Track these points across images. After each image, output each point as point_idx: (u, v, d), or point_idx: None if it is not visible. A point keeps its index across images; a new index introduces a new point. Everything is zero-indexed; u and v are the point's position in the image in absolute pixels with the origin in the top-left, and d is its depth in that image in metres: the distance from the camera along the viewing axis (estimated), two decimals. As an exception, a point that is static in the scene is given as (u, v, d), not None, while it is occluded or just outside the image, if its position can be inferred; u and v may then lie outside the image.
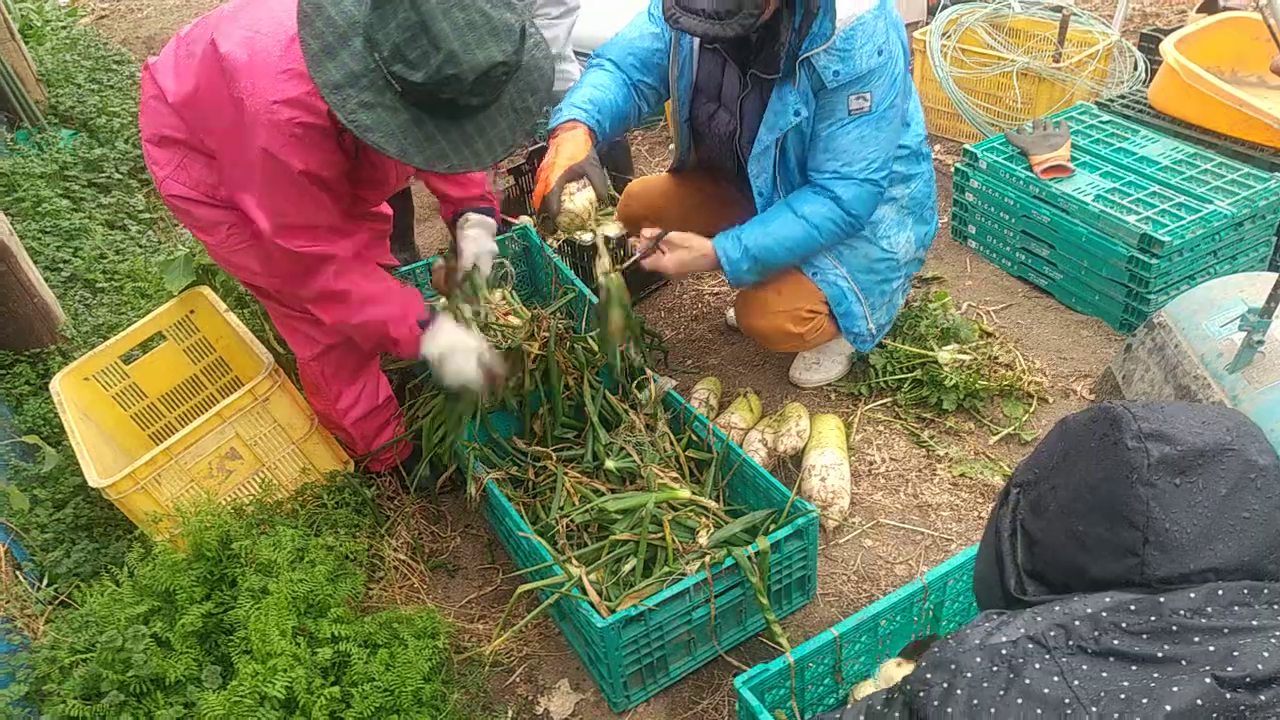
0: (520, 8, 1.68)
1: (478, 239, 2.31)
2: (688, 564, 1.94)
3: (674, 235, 2.30)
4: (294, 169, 1.80)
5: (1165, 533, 0.86)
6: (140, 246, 3.70)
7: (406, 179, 2.30)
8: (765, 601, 1.92)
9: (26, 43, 4.81)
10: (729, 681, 1.99)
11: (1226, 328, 2.20)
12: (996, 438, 2.51)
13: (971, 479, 2.41)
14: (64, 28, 5.79)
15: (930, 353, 2.65)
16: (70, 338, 2.94)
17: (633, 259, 2.32)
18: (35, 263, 3.03)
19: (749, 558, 1.89)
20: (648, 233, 2.31)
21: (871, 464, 2.50)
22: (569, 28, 3.39)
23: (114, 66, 5.29)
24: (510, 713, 2.00)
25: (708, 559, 1.89)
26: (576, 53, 3.46)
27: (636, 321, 2.33)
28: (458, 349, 2.07)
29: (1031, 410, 2.57)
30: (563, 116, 2.28)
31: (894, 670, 1.67)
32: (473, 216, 2.34)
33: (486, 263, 2.33)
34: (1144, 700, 0.79)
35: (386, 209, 2.52)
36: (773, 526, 1.99)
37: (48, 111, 4.54)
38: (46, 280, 3.06)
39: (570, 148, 2.18)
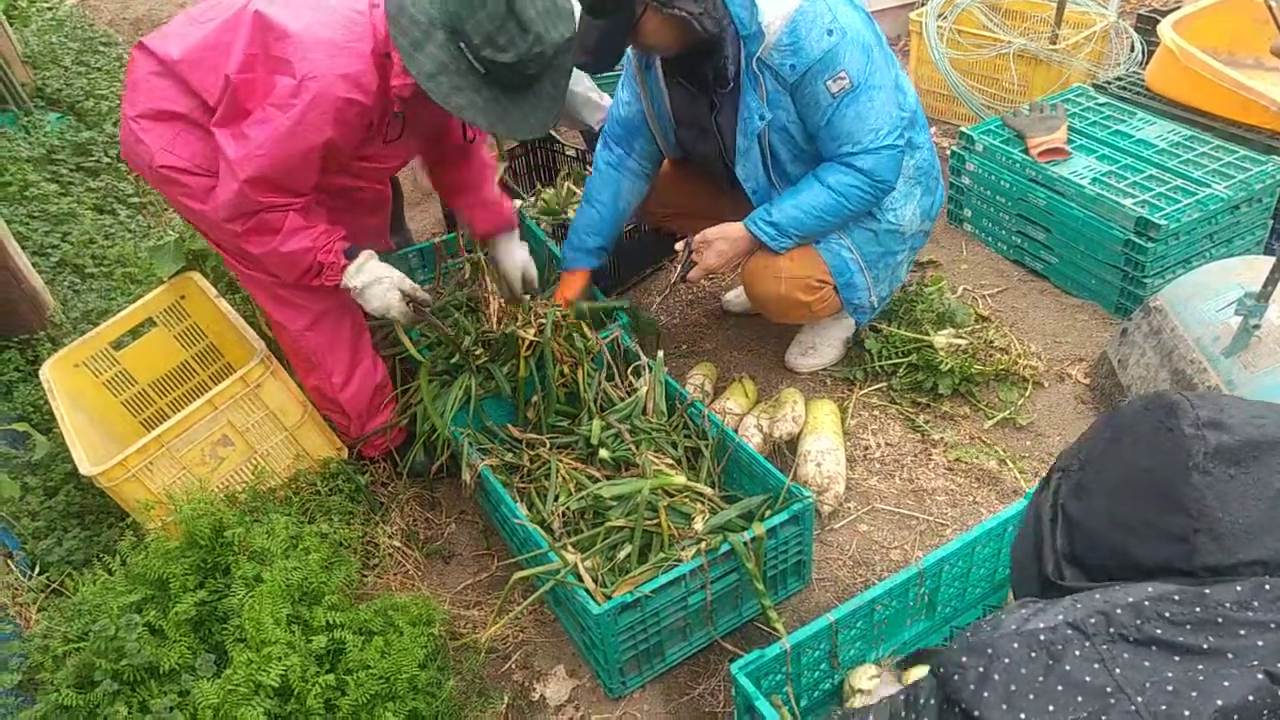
0: None
1: (519, 263, 2.58)
2: (683, 550, 1.94)
3: (703, 234, 2.42)
4: (323, 135, 1.90)
5: (1217, 521, 0.85)
6: (130, 231, 3.66)
7: (405, 163, 2.41)
8: (761, 587, 1.92)
9: (11, 24, 4.75)
10: (725, 666, 1.99)
11: (1223, 312, 2.19)
12: (992, 422, 2.51)
13: (967, 464, 2.41)
14: (50, 9, 5.71)
15: (926, 337, 2.65)
16: (59, 324, 2.91)
17: (678, 277, 2.49)
18: (23, 248, 3.00)
19: (745, 544, 1.89)
20: (679, 246, 2.48)
21: (867, 449, 2.49)
22: None
23: (101, 48, 5.22)
24: (506, 699, 2.00)
25: (704, 545, 1.89)
26: None
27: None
28: (381, 278, 2.16)
29: (1027, 395, 2.57)
30: (572, 264, 2.62)
31: (864, 681, 1.71)
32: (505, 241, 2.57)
33: (533, 273, 2.60)
34: (1192, 693, 0.77)
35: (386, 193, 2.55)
36: (768, 512, 1.99)
37: (34, 94, 4.48)
38: (35, 266, 3.02)
39: (568, 291, 2.58)
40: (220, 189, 1.98)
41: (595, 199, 2.62)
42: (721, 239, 2.40)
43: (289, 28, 1.88)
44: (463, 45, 1.84)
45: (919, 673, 1.68)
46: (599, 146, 2.65)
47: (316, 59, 1.86)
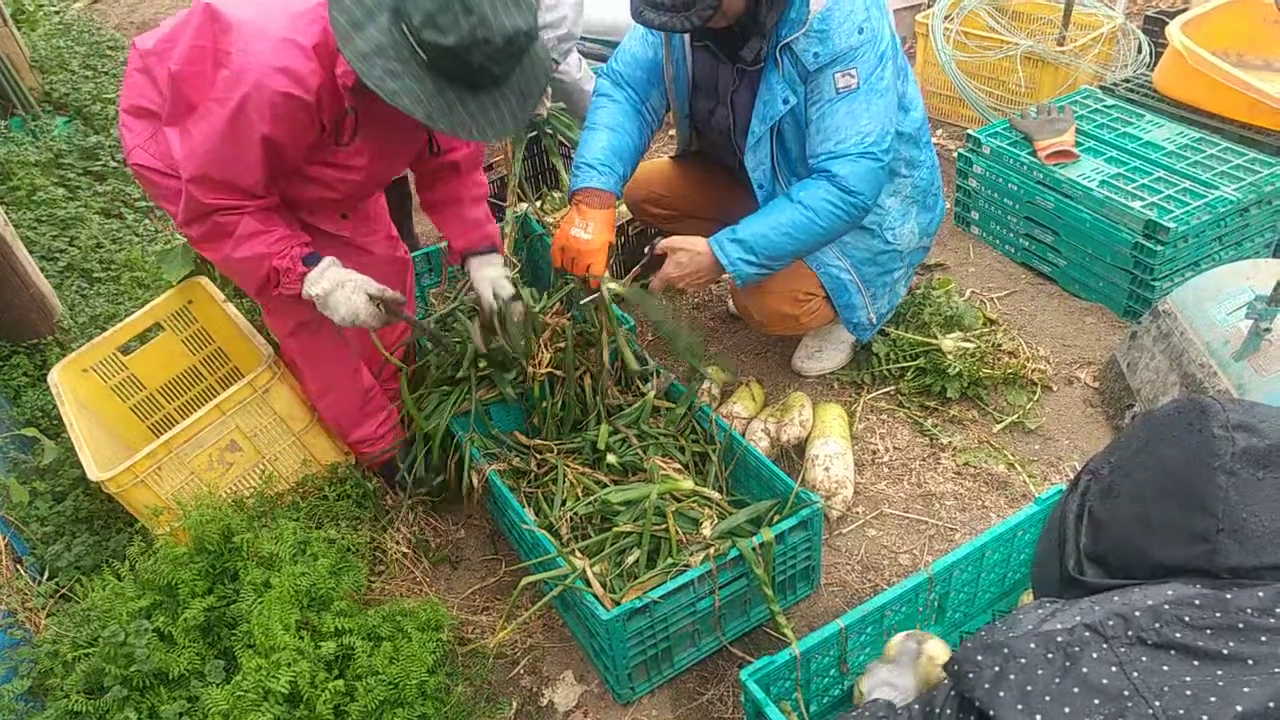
0: None
1: (488, 277, 2.33)
2: (692, 555, 1.93)
3: (667, 241, 2.27)
4: (259, 131, 1.80)
5: (1241, 522, 0.85)
6: (137, 235, 3.67)
7: (387, 180, 2.28)
8: (770, 593, 1.91)
9: (19, 28, 4.76)
10: (734, 671, 1.99)
11: (1233, 315, 2.18)
12: (1000, 426, 2.50)
13: (975, 467, 2.40)
14: (57, 13, 5.73)
15: (933, 341, 2.64)
16: (67, 328, 2.92)
17: (631, 274, 2.34)
18: (31, 252, 3.01)
19: (753, 549, 1.88)
20: (649, 250, 2.31)
21: (875, 453, 2.48)
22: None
23: (108, 52, 5.24)
24: (514, 704, 2.00)
25: (712, 550, 1.89)
26: (583, 36, 3.42)
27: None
28: (344, 283, 2.02)
29: (1035, 398, 2.56)
30: (586, 180, 2.26)
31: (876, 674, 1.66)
32: (478, 259, 2.35)
33: (505, 289, 2.31)
34: (1211, 698, 0.76)
35: (405, 254, 2.53)
36: (777, 517, 1.98)
37: (42, 98, 4.50)
38: (43, 270, 3.03)
39: (604, 231, 2.22)
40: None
41: (618, 127, 2.34)
42: (684, 250, 2.23)
43: (234, 19, 1.80)
44: (405, 26, 1.69)
45: (933, 647, 1.65)
46: (602, 82, 2.44)
47: (254, 51, 1.76)
